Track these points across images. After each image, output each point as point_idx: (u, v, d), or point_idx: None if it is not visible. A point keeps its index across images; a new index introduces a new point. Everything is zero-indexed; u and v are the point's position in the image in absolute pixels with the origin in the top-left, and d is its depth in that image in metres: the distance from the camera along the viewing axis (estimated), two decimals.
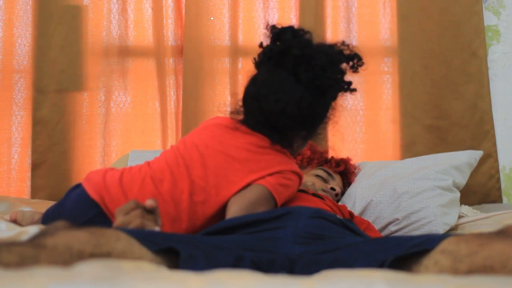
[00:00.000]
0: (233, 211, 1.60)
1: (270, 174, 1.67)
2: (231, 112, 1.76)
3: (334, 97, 1.71)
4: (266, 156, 1.69)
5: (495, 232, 1.09)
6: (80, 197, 1.68)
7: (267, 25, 1.71)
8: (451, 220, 2.14)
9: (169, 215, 1.63)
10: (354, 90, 1.71)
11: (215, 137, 1.72)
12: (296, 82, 1.63)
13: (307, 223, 1.40)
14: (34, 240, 1.03)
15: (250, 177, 1.66)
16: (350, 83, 1.70)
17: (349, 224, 1.52)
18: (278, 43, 1.67)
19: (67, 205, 1.70)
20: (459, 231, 2.15)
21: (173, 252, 1.15)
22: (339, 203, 2.14)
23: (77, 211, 1.66)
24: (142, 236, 1.14)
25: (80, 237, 1.05)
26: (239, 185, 1.65)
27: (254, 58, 1.73)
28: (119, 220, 1.32)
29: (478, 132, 2.76)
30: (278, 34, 1.68)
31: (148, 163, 1.74)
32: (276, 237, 1.35)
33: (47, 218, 1.77)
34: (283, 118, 1.64)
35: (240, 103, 1.74)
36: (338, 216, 1.57)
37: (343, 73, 1.68)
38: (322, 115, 1.72)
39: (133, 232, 1.15)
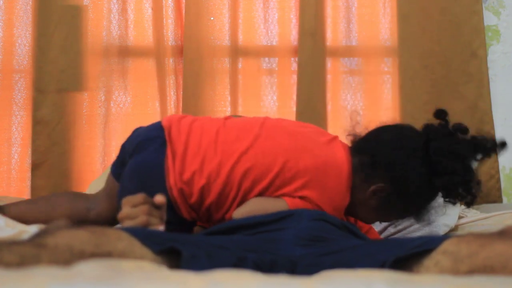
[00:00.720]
0: (243, 211, 1.60)
1: (302, 198, 1.62)
2: (348, 134, 1.72)
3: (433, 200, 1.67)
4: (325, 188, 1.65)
5: (496, 232, 1.09)
6: (153, 124, 1.77)
7: (456, 125, 1.67)
8: (451, 221, 2.14)
9: (210, 167, 1.62)
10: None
11: (309, 139, 1.69)
12: (426, 170, 1.59)
13: (309, 225, 1.40)
14: (35, 240, 1.03)
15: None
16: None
17: (350, 227, 1.52)
18: (450, 138, 1.63)
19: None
20: (459, 232, 2.15)
21: (175, 252, 1.14)
22: None
23: (142, 132, 1.74)
24: (144, 236, 1.14)
25: (81, 237, 1.05)
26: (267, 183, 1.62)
27: (430, 125, 1.66)
28: (124, 211, 1.32)
29: (478, 132, 2.75)
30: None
31: (225, 121, 1.73)
32: (278, 238, 1.34)
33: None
34: (384, 178, 1.61)
35: (363, 129, 1.70)
36: (340, 219, 1.57)
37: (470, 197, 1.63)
38: (417, 210, 1.68)
39: (134, 232, 1.15)
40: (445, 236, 1.14)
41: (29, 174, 2.80)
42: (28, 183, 2.81)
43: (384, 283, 0.83)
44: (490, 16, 2.86)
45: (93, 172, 2.82)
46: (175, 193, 1.61)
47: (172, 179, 1.61)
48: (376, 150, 1.64)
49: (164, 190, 1.58)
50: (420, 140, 1.62)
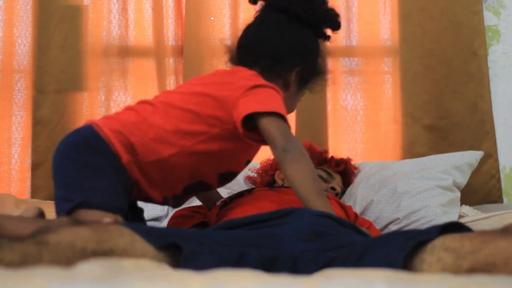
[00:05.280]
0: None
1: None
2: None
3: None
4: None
5: (499, 229, 1.09)
6: None
7: None
8: (452, 220, 2.14)
9: None
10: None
11: None
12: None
13: (311, 221, 1.40)
14: (37, 237, 1.03)
15: None
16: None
17: (353, 224, 1.52)
18: None
19: None
20: None
21: (177, 248, 1.15)
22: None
23: None
24: (146, 232, 1.14)
25: (82, 234, 1.05)
26: None
27: None
28: None
29: (479, 132, 2.76)
30: None
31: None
32: (280, 233, 1.34)
33: None
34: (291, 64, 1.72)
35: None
36: (344, 218, 1.57)
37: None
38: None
39: (136, 228, 1.15)
40: (442, 228, 1.14)
41: (29, 174, 2.80)
42: (28, 183, 2.81)
43: (385, 282, 0.82)
44: (490, 16, 2.86)
45: None
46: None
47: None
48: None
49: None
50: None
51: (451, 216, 2.16)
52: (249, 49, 1.75)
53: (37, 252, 0.98)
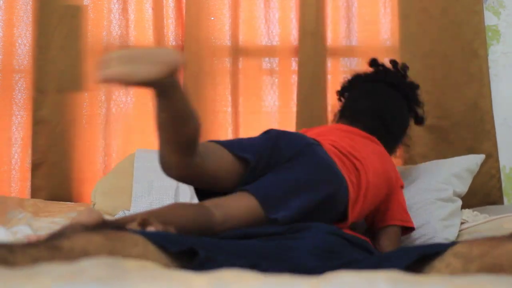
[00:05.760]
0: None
1: None
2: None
3: None
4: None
5: (507, 235, 1.10)
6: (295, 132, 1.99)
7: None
8: (453, 233, 2.12)
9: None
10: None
11: None
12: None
13: (325, 238, 1.40)
14: (50, 242, 1.02)
15: None
16: None
17: (365, 245, 1.53)
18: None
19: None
20: (459, 238, 2.12)
21: (190, 258, 1.13)
22: None
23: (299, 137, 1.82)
24: (162, 238, 1.13)
25: (96, 241, 1.04)
26: None
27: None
28: None
29: (479, 131, 2.75)
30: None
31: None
32: (293, 246, 1.34)
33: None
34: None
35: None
36: (356, 236, 1.57)
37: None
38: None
39: (152, 236, 1.13)
40: (453, 243, 1.15)
41: (29, 174, 2.80)
42: (28, 183, 2.80)
43: (387, 282, 0.82)
44: (490, 16, 2.86)
45: (93, 172, 2.82)
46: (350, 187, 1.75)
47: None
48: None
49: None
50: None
51: (452, 229, 2.13)
52: (376, 115, 2.16)
53: (49, 257, 0.97)
